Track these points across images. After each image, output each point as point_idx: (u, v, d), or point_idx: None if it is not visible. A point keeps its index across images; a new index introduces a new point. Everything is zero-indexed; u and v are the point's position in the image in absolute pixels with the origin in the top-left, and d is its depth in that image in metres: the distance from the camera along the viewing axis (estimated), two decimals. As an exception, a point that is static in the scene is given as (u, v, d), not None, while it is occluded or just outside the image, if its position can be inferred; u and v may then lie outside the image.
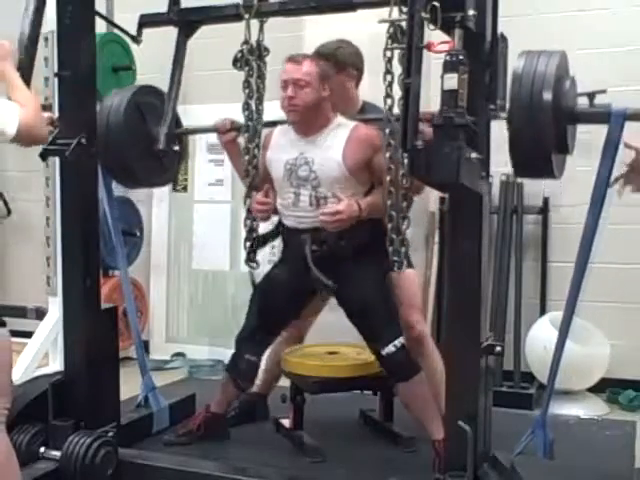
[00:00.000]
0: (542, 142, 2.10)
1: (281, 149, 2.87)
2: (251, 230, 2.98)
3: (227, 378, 3.00)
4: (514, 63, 2.16)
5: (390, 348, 2.72)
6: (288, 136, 2.87)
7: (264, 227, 3.07)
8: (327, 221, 2.72)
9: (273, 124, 2.98)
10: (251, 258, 2.99)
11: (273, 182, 2.91)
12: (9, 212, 2.26)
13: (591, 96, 2.22)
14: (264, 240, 3.02)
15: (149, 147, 3.00)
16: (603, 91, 2.22)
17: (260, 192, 2.90)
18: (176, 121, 3.16)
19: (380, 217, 2.64)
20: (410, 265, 3.02)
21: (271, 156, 2.90)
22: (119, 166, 2.96)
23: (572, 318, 2.31)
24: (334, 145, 2.77)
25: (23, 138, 2.14)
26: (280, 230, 2.93)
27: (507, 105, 2.17)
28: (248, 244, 2.98)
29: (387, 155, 2.55)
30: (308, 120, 2.79)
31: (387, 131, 2.55)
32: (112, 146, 2.89)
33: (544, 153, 2.12)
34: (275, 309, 2.92)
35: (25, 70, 2.37)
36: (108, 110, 2.92)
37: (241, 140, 2.98)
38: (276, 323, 2.99)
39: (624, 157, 2.24)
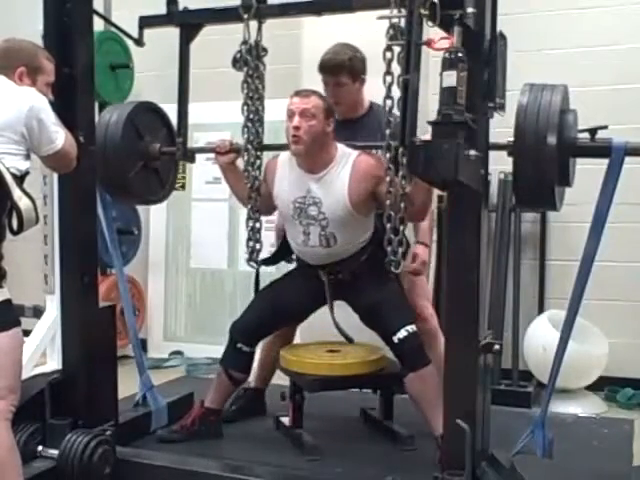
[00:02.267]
0: (546, 176, 2.14)
1: (287, 184, 2.89)
2: (253, 230, 2.99)
3: (221, 372, 3.01)
4: (519, 97, 2.18)
5: (402, 333, 2.73)
6: (294, 171, 2.88)
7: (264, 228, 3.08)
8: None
9: (275, 148, 2.99)
10: (253, 258, 3.00)
11: (280, 215, 2.99)
12: (37, 219, 2.27)
13: (592, 132, 2.24)
14: (277, 259, 3.10)
15: (146, 163, 3.03)
16: (604, 127, 2.25)
17: None
18: (173, 138, 3.15)
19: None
20: None
21: (278, 190, 2.92)
22: (115, 181, 2.97)
23: (573, 324, 2.33)
24: (339, 183, 2.80)
25: (59, 158, 2.25)
26: (294, 256, 3.02)
27: (510, 109, 2.19)
28: (251, 244, 2.99)
29: (387, 180, 2.58)
30: (313, 155, 2.80)
31: (388, 157, 2.57)
32: (109, 161, 2.91)
33: (548, 187, 2.16)
34: (282, 311, 2.98)
35: None
36: (106, 125, 2.94)
37: (240, 163, 2.98)
38: (278, 323, 3.07)
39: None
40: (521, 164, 2.15)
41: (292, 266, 3.12)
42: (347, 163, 2.81)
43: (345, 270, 2.86)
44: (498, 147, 2.26)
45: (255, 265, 3.03)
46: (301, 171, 2.86)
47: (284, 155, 2.94)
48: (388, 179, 2.58)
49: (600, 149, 2.24)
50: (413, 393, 2.82)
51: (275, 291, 2.99)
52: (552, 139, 2.12)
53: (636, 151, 2.24)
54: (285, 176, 2.91)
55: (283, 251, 3.07)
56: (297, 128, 2.74)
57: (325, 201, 2.80)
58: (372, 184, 2.76)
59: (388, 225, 2.60)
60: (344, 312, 2.94)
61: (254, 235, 3.01)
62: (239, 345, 2.94)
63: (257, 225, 3.00)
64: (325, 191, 2.81)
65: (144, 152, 3.02)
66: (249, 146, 2.92)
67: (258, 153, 2.94)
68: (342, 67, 2.97)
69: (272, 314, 2.97)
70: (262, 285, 3.09)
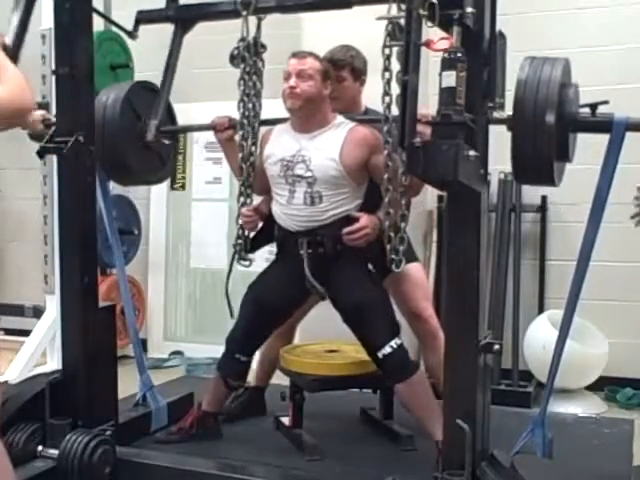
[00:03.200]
0: (544, 149, 2.11)
1: (278, 146, 2.87)
2: (243, 228, 2.98)
3: (217, 377, 2.99)
4: (518, 68, 2.16)
5: (387, 349, 2.68)
6: (286, 133, 2.87)
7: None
8: (353, 238, 2.72)
9: (272, 122, 2.98)
10: (242, 257, 2.99)
11: (269, 180, 2.90)
12: None
13: (593, 107, 2.23)
14: (257, 245, 3.03)
15: (144, 142, 3.01)
16: (606, 102, 2.23)
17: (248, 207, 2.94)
18: (172, 118, 3.16)
19: None
20: (415, 259, 3.04)
21: (268, 153, 2.90)
22: (113, 162, 2.96)
23: (571, 323, 2.32)
24: (332, 144, 2.77)
25: None
26: (275, 233, 2.91)
27: (508, 108, 2.18)
28: (240, 242, 2.99)
29: (385, 153, 2.55)
30: (307, 115, 2.78)
31: (385, 129, 2.55)
32: (107, 141, 2.89)
33: (546, 160, 2.13)
34: (269, 310, 2.90)
35: (12, 53, 2.35)
36: (103, 105, 2.93)
37: (238, 138, 2.98)
38: (269, 324, 2.99)
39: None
40: (520, 138, 2.12)
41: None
42: (343, 128, 2.79)
43: (326, 238, 2.75)
44: (497, 121, 2.23)
45: (247, 264, 3.01)
46: (294, 132, 2.84)
47: (280, 124, 2.93)
48: (386, 152, 2.56)
49: (601, 124, 2.22)
50: (404, 401, 2.81)
51: (258, 293, 2.91)
52: (551, 113, 2.09)
53: (637, 127, 2.20)
54: (277, 139, 2.89)
55: (264, 236, 3.00)
56: (293, 88, 2.73)
57: (314, 159, 2.76)
58: (367, 152, 2.74)
59: (387, 223, 2.60)
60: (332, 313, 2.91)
61: (243, 234, 2.98)
62: (237, 356, 2.90)
63: (248, 201, 2.98)
64: (316, 150, 2.77)
65: (142, 131, 3.00)
66: (244, 120, 2.92)
67: (255, 125, 2.93)
68: (344, 62, 2.97)
69: (261, 318, 2.91)
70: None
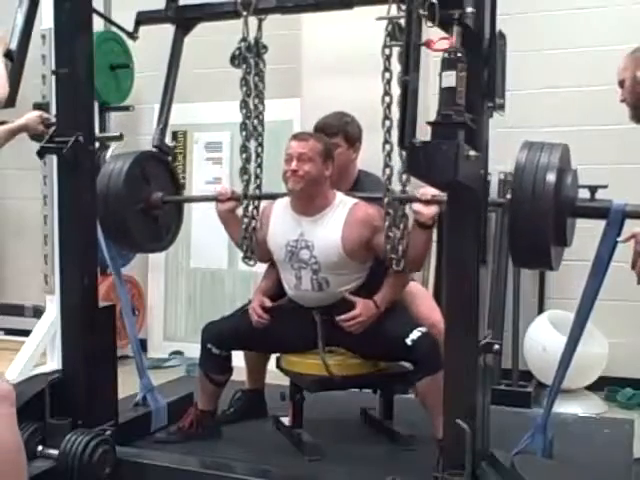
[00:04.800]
0: (542, 234, 2.13)
1: (280, 228, 2.88)
2: (248, 229, 2.98)
3: (201, 374, 3.01)
4: (517, 154, 2.17)
5: (415, 333, 2.68)
6: (288, 214, 2.87)
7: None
8: (347, 325, 2.75)
9: (272, 197, 2.99)
10: (248, 256, 3.00)
11: (275, 262, 2.94)
12: None
13: (592, 190, 2.24)
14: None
15: (149, 211, 3.02)
16: (604, 186, 2.25)
17: (257, 300, 2.91)
18: (177, 187, 3.19)
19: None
20: (411, 278, 3.05)
21: (271, 233, 2.91)
22: (117, 229, 2.97)
23: (581, 334, 2.39)
24: (333, 228, 2.77)
25: None
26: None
27: (509, 108, 2.18)
28: (246, 242, 2.99)
29: (387, 224, 2.60)
30: (308, 197, 2.79)
31: (386, 201, 2.58)
32: (111, 209, 2.90)
33: (543, 245, 2.14)
34: (260, 342, 2.94)
35: (16, 64, 2.37)
36: (109, 173, 2.93)
37: (239, 211, 2.97)
38: (250, 347, 3.06)
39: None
40: (517, 224, 2.14)
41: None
42: (344, 208, 2.80)
43: (336, 313, 2.78)
44: (495, 204, 2.25)
45: (252, 263, 3.01)
46: (295, 214, 2.84)
47: (280, 200, 2.94)
48: (387, 224, 2.59)
49: (598, 210, 2.23)
50: (426, 397, 2.72)
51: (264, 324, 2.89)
52: (549, 199, 2.10)
53: (635, 214, 2.22)
54: (279, 219, 2.90)
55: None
56: (295, 172, 2.74)
57: (317, 244, 2.78)
58: (368, 232, 2.74)
59: (387, 222, 2.61)
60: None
61: (248, 234, 2.97)
62: (209, 346, 2.91)
63: (252, 224, 2.96)
64: (318, 234, 2.78)
65: (146, 200, 3.01)
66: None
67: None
68: (338, 129, 2.96)
69: (248, 338, 2.92)
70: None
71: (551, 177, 2.10)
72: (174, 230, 3.21)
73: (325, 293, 2.82)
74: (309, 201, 2.80)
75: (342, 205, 2.81)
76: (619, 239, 2.20)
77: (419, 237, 2.62)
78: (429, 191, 2.51)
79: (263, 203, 3.00)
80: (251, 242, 2.96)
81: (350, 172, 3.05)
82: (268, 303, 2.88)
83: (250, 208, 2.95)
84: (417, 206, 2.54)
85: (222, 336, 2.93)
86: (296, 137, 2.82)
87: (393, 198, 2.58)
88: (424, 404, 2.77)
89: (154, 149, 3.07)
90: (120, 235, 3.00)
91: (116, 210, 2.91)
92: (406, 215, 2.62)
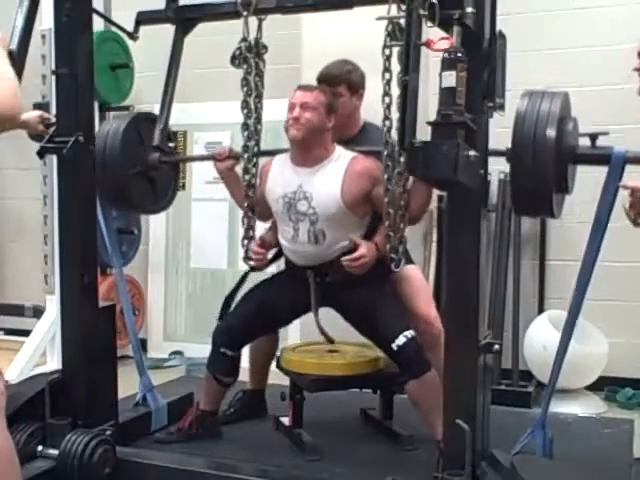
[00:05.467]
0: (543, 182, 2.12)
1: (279, 180, 2.87)
2: (249, 228, 2.99)
3: (208, 375, 3.00)
4: (517, 103, 2.17)
5: (401, 339, 2.68)
6: (286, 166, 2.87)
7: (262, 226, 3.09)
8: (351, 266, 2.73)
9: (271, 153, 2.99)
10: (249, 256, 3.00)
11: (273, 214, 2.93)
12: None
13: (593, 137, 2.23)
14: (268, 261, 3.04)
15: (146, 172, 3.03)
16: (605, 133, 2.24)
17: (256, 241, 2.95)
18: (174, 147, 3.19)
19: None
20: (411, 261, 3.04)
21: (270, 187, 2.90)
22: (116, 191, 2.97)
23: (573, 329, 2.33)
24: (332, 179, 2.76)
25: None
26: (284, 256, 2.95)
27: (509, 109, 2.18)
28: (246, 242, 2.99)
29: (385, 177, 2.57)
30: (308, 146, 2.78)
31: (385, 153, 2.56)
32: (108, 171, 2.91)
33: (545, 193, 2.14)
34: (270, 313, 2.93)
35: (17, 65, 2.36)
36: (105, 135, 2.94)
37: (238, 169, 2.98)
38: (264, 327, 3.02)
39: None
40: (518, 171, 2.14)
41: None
42: (343, 160, 2.79)
43: (333, 272, 2.79)
44: (497, 153, 2.25)
45: (251, 264, 3.02)
46: (294, 166, 2.84)
47: (279, 155, 2.93)
48: (386, 177, 2.56)
49: (600, 157, 2.23)
50: (415, 399, 2.77)
51: (260, 297, 2.93)
52: (550, 147, 2.10)
53: (636, 160, 2.22)
54: (278, 172, 2.89)
55: (274, 254, 3.05)
56: (297, 119, 2.73)
57: (316, 196, 2.77)
58: (368, 184, 2.74)
59: (387, 222, 2.60)
60: (334, 313, 2.92)
61: (248, 233, 2.99)
62: (222, 350, 2.91)
63: (252, 223, 2.99)
64: (317, 185, 2.77)
65: (143, 162, 3.01)
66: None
67: (255, 159, 2.93)
68: (340, 78, 2.95)
69: (256, 320, 2.92)
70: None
71: (552, 124, 2.11)
72: (172, 191, 3.23)
73: (321, 247, 2.79)
74: (308, 152, 2.79)
75: (342, 157, 2.80)
76: (620, 184, 2.18)
77: (420, 188, 2.60)
78: None
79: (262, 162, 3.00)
80: (253, 198, 2.95)
81: (355, 120, 3.03)
82: (261, 244, 2.93)
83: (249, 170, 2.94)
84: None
85: (233, 335, 2.93)
86: (301, 87, 2.82)
87: (393, 148, 2.54)
88: (415, 404, 2.80)
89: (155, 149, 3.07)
90: (118, 197, 3.01)
91: (114, 172, 2.91)
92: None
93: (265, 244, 2.96)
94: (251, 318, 2.92)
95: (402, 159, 2.50)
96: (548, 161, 2.10)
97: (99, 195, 2.86)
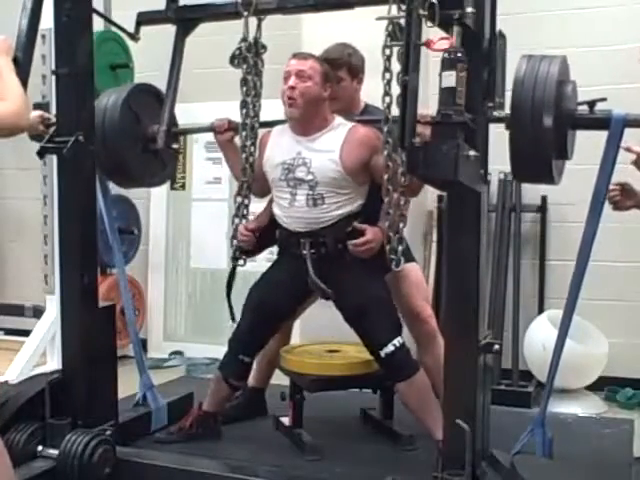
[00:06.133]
0: (543, 147, 2.10)
1: (278, 149, 2.86)
2: (240, 207, 2.99)
3: (219, 377, 2.98)
4: (516, 66, 2.16)
5: (389, 348, 2.69)
6: (286, 136, 2.86)
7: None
8: (358, 251, 2.73)
9: (271, 124, 2.98)
10: (237, 256, 2.99)
11: (269, 183, 2.90)
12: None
13: (591, 104, 2.22)
14: (259, 247, 3.01)
15: (145, 145, 3.01)
16: (604, 99, 2.22)
17: (245, 224, 2.95)
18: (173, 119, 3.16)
19: None
20: (412, 259, 3.04)
21: (268, 156, 2.89)
22: (115, 165, 2.95)
23: (570, 323, 2.32)
24: (332, 146, 2.76)
25: None
26: (277, 235, 2.91)
27: (507, 107, 2.17)
28: (237, 221, 3.00)
29: (385, 154, 2.55)
30: (307, 118, 2.77)
31: (385, 129, 2.55)
32: (108, 144, 2.89)
33: (544, 158, 2.12)
34: (272, 311, 2.91)
35: (23, 67, 2.37)
36: (104, 108, 2.92)
37: (238, 140, 2.98)
38: (272, 325, 2.98)
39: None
40: (518, 136, 2.11)
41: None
42: (343, 129, 2.78)
43: (328, 239, 2.75)
44: (495, 120, 2.23)
45: (242, 263, 3.00)
46: (293, 134, 2.83)
47: (278, 126, 2.92)
48: (386, 153, 2.55)
49: (599, 121, 2.21)
50: (405, 401, 2.81)
51: (261, 295, 2.91)
52: (549, 111, 2.08)
53: (636, 123, 2.20)
54: (277, 142, 2.88)
55: (266, 238, 2.98)
56: (292, 88, 2.71)
57: (315, 162, 2.75)
58: (367, 153, 2.73)
59: (387, 222, 2.60)
60: (335, 313, 2.91)
61: (240, 211, 2.99)
62: (240, 357, 2.90)
63: (245, 201, 2.98)
64: (316, 152, 2.77)
65: (143, 134, 3.00)
66: (247, 121, 2.92)
67: (255, 125, 2.93)
68: (341, 62, 2.95)
69: (265, 320, 2.91)
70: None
71: (551, 88, 2.09)
72: (172, 165, 3.23)
73: (319, 211, 2.76)
74: (307, 122, 2.78)
75: (342, 126, 2.80)
76: (622, 145, 2.17)
77: None
78: (429, 112, 2.48)
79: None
80: (251, 175, 2.95)
81: (356, 103, 3.04)
82: (251, 226, 2.93)
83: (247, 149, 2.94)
84: (419, 128, 2.51)
85: (247, 342, 2.91)
86: (296, 55, 2.80)
87: (393, 120, 2.52)
88: (406, 406, 2.83)
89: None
90: (118, 170, 2.99)
91: (113, 145, 2.90)
92: None
93: (255, 230, 2.93)
94: (257, 324, 2.90)
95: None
96: (547, 125, 2.08)
97: (98, 169, 2.84)
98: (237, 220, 3.01)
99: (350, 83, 2.99)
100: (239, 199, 3.00)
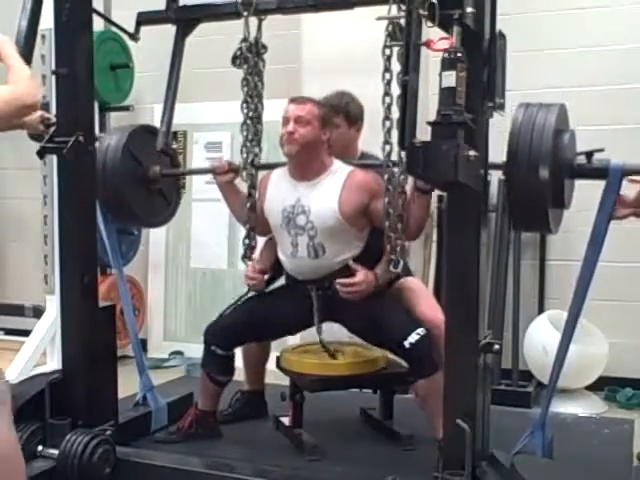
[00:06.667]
0: (539, 198, 2.10)
1: (278, 195, 2.87)
2: (248, 249, 3.01)
3: (202, 373, 3.00)
4: (513, 114, 2.15)
5: (414, 336, 2.66)
6: (284, 180, 2.87)
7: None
8: (345, 291, 2.74)
9: (271, 166, 2.99)
10: (247, 255, 3.00)
11: (271, 228, 2.93)
12: None
13: (589, 154, 2.22)
14: (271, 280, 3.05)
15: (147, 187, 3.05)
16: (601, 150, 2.22)
17: (250, 266, 2.97)
18: (173, 162, 3.20)
19: None
20: (410, 273, 3.05)
21: (268, 201, 2.91)
22: (118, 208, 3.00)
23: (574, 330, 2.33)
24: (330, 192, 2.77)
25: None
26: (284, 276, 2.97)
27: (509, 109, 2.17)
28: (247, 242, 3.00)
29: (386, 201, 2.58)
30: (305, 160, 2.78)
31: (386, 177, 2.58)
32: (109, 189, 2.93)
33: (541, 210, 2.12)
34: (259, 330, 2.95)
35: None
36: (105, 150, 2.95)
37: (238, 182, 2.98)
38: (252, 338, 3.05)
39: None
40: (514, 187, 2.13)
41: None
42: (342, 174, 2.79)
43: (333, 284, 2.78)
44: (494, 167, 2.24)
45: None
46: (292, 179, 2.84)
47: (278, 169, 2.94)
48: (387, 200, 2.57)
49: (597, 170, 2.22)
50: (423, 399, 2.76)
51: (254, 308, 2.94)
52: (546, 161, 2.08)
53: (633, 171, 2.20)
54: (276, 186, 2.90)
55: (272, 273, 3.05)
56: (291, 133, 2.73)
57: (314, 209, 2.77)
58: (366, 198, 2.73)
59: (387, 222, 2.59)
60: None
61: (247, 253, 3.01)
62: (213, 348, 2.91)
63: (253, 243, 3.01)
64: (315, 199, 2.78)
65: (144, 177, 3.03)
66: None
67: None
68: (338, 109, 2.96)
69: (245, 329, 2.93)
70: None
71: (548, 138, 2.08)
72: (174, 204, 3.25)
73: (321, 261, 2.79)
74: (306, 166, 2.79)
75: (340, 171, 2.80)
76: (629, 178, 2.15)
77: (419, 204, 2.61)
78: None
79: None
80: (254, 213, 2.95)
81: (352, 152, 3.05)
82: (259, 266, 2.94)
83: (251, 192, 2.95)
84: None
85: (224, 335, 2.93)
86: (294, 100, 2.81)
87: (393, 164, 2.55)
88: (423, 404, 2.79)
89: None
90: (121, 210, 3.02)
91: (115, 186, 2.93)
92: (405, 191, 2.60)
93: (262, 270, 2.96)
94: (241, 325, 2.93)
95: (402, 177, 2.55)
96: (544, 176, 2.08)
97: (101, 208, 2.88)
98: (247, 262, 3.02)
99: (347, 130, 3.00)
100: (246, 242, 3.01)
